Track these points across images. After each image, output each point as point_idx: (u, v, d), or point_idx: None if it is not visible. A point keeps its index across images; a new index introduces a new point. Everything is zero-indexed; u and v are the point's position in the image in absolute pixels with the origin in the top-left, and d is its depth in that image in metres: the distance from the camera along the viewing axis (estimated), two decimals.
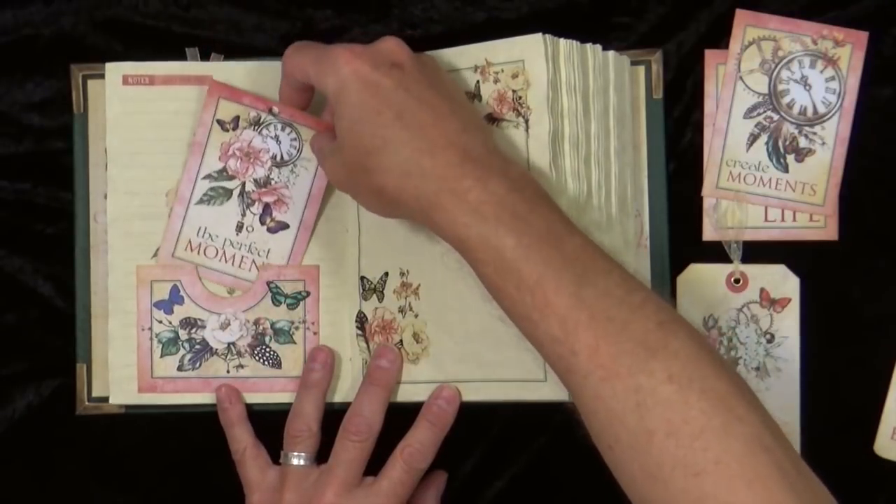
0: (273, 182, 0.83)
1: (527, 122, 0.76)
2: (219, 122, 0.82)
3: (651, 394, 0.62)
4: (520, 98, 0.76)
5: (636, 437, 0.62)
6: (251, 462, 0.81)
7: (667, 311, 0.65)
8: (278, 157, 0.83)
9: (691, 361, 0.62)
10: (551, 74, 0.76)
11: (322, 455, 0.80)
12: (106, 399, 0.84)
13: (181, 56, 0.84)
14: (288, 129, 0.83)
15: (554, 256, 0.66)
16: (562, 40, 0.77)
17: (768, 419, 0.63)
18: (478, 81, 0.77)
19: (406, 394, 0.81)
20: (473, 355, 0.78)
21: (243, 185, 0.83)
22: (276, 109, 0.82)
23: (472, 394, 0.79)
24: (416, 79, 0.71)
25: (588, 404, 0.65)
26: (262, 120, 0.82)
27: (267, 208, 0.83)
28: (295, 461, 0.79)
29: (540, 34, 0.76)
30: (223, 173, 0.83)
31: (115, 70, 0.83)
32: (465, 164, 0.68)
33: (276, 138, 0.83)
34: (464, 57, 0.78)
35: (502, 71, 0.77)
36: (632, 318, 0.64)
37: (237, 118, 0.82)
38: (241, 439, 0.82)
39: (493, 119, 0.77)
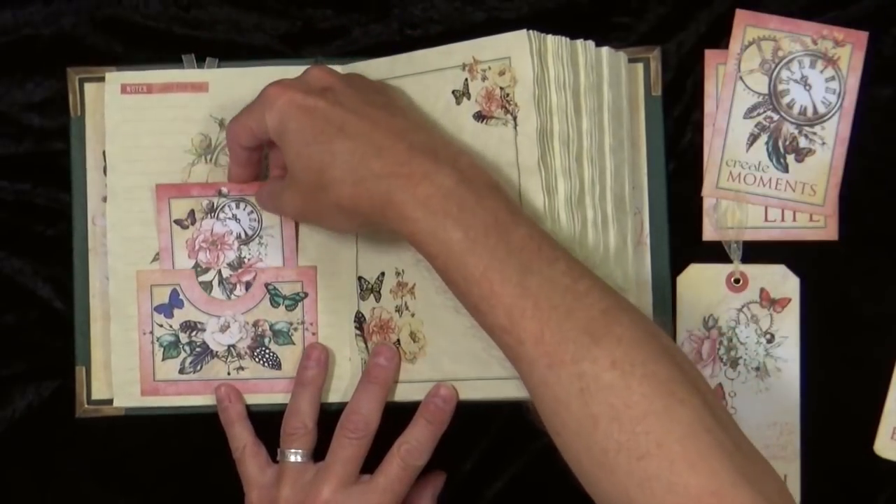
0: (246, 260, 0.83)
1: (515, 119, 0.75)
2: (176, 222, 0.83)
3: (594, 380, 0.63)
4: (507, 95, 0.76)
5: (581, 422, 0.63)
6: (251, 460, 0.81)
7: (612, 298, 0.66)
8: (243, 235, 0.83)
9: (634, 347, 0.64)
10: (538, 71, 0.75)
11: (320, 453, 0.80)
12: (105, 402, 0.84)
13: (181, 57, 0.84)
14: (243, 205, 0.83)
15: (499, 247, 0.67)
16: (549, 37, 0.76)
17: (712, 401, 0.64)
18: (466, 79, 0.77)
19: (404, 393, 0.80)
20: (470, 354, 0.78)
21: (219, 272, 0.83)
22: (224, 190, 0.83)
23: (470, 392, 0.78)
24: (348, 95, 0.73)
25: (536, 391, 0.66)
26: (215, 205, 0.83)
27: (249, 287, 0.83)
28: (292, 458, 0.79)
29: (524, 30, 0.75)
30: (197, 269, 0.83)
31: (114, 79, 0.84)
32: (413, 160, 0.69)
33: (235, 217, 0.83)
34: (452, 55, 0.78)
35: (489, 68, 0.76)
36: (576, 306, 0.65)
37: (192, 212, 0.83)
38: (241, 437, 0.82)
39: (482, 117, 0.76)
